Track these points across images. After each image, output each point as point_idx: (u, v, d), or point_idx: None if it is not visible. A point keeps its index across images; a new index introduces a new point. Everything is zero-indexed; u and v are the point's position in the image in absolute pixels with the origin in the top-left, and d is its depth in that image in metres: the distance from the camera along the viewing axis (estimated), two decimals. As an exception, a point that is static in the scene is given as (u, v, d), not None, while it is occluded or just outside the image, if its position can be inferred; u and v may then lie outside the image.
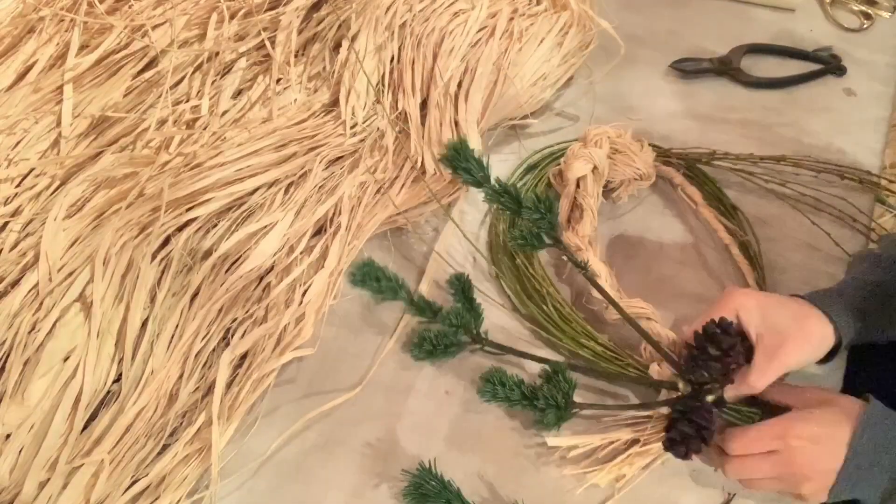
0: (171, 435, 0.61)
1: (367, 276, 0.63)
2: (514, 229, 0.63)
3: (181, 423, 0.62)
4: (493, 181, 0.61)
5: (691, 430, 0.56)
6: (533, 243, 0.61)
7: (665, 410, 0.61)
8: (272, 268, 0.69)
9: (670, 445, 0.57)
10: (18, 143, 0.74)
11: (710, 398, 0.58)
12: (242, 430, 0.63)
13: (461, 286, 0.68)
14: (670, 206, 0.79)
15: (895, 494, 0.53)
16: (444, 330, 0.65)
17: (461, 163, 0.60)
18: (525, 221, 0.61)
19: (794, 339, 0.59)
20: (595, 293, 0.66)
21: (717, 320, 0.58)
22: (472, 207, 0.78)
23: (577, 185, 0.74)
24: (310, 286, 0.68)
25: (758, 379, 0.58)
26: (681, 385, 0.60)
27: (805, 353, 0.59)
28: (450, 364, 0.67)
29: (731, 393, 0.59)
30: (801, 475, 0.54)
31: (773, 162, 0.78)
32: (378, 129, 0.77)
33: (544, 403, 0.60)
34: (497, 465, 0.63)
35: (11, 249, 0.68)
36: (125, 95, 0.78)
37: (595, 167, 0.73)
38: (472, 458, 0.63)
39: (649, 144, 0.77)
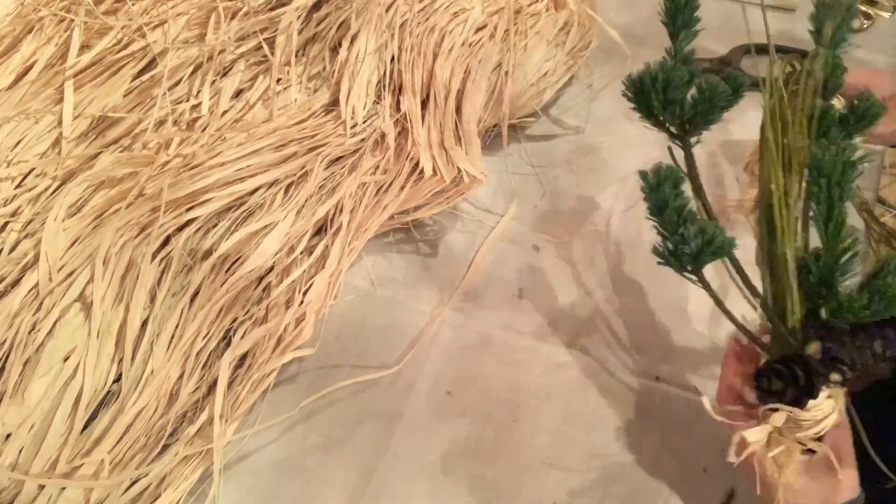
0: (171, 435, 0.61)
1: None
2: None
3: (181, 423, 0.62)
4: None
5: (789, 375, 0.50)
6: None
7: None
8: (272, 268, 0.69)
9: (758, 377, 0.52)
10: (18, 143, 0.74)
11: (835, 377, 0.51)
12: (242, 429, 0.63)
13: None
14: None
15: None
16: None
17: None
18: None
19: None
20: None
21: None
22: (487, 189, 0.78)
23: None
24: (310, 287, 0.68)
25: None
26: (812, 346, 0.52)
27: None
28: (452, 363, 0.67)
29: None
30: None
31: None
32: (378, 128, 0.77)
33: (693, 242, 0.51)
34: (497, 466, 0.62)
35: (11, 250, 0.68)
36: (125, 96, 0.78)
37: None
38: (472, 459, 0.63)
39: None
